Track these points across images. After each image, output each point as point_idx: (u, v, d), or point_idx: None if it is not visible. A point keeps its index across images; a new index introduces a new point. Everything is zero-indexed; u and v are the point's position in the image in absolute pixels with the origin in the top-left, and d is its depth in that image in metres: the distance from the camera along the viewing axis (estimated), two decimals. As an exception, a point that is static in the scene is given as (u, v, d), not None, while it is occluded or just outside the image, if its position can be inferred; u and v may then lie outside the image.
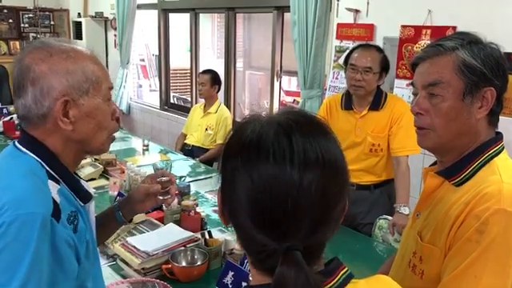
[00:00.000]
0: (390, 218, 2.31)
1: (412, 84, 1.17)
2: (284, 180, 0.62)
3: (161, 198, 1.46)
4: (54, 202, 1.00)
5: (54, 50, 1.06)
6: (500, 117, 1.13)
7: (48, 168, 1.05)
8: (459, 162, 1.11)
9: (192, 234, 2.00)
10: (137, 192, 1.45)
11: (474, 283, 0.97)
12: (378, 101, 2.46)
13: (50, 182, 1.03)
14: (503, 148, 1.12)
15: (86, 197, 1.13)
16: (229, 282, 1.72)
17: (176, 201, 2.44)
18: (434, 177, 1.16)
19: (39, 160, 1.05)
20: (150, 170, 2.80)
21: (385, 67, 2.43)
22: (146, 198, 1.43)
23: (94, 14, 6.68)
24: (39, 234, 0.93)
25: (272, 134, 0.65)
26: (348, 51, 2.58)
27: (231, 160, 0.67)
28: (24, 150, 1.06)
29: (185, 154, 3.96)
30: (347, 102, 2.53)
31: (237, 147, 0.67)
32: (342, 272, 0.69)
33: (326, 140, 0.66)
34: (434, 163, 1.24)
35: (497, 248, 0.97)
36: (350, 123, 2.45)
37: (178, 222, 2.16)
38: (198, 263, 1.80)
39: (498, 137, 1.13)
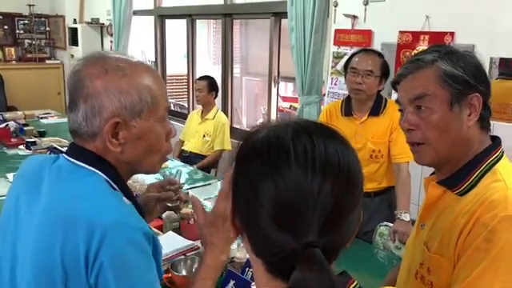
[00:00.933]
0: (390, 224, 2.30)
1: (397, 101, 1.17)
2: (308, 178, 0.61)
3: (170, 205, 1.44)
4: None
5: (110, 65, 1.01)
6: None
7: (113, 184, 1.02)
8: (460, 171, 1.09)
9: (192, 242, 1.98)
10: (147, 202, 1.40)
11: None
12: (377, 106, 2.46)
13: (124, 199, 1.01)
14: (503, 153, 1.11)
15: (143, 212, 1.10)
16: (230, 292, 1.70)
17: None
18: (435, 187, 1.15)
19: (104, 176, 1.01)
20: (148, 178, 2.77)
21: (385, 72, 2.43)
22: (154, 208, 1.40)
23: (89, 20, 6.67)
24: (148, 251, 0.94)
25: (291, 135, 0.65)
26: (348, 56, 2.58)
27: (249, 164, 0.66)
28: (84, 165, 1.01)
29: (182, 161, 3.94)
30: (347, 107, 2.52)
31: (254, 151, 0.66)
32: (352, 286, 0.68)
33: (342, 143, 0.67)
34: (434, 172, 1.22)
35: (506, 256, 0.96)
36: (349, 129, 2.44)
37: (178, 231, 2.14)
38: (199, 272, 1.77)
39: (496, 143, 1.12)
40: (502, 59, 2.63)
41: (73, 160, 1.02)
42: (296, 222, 0.61)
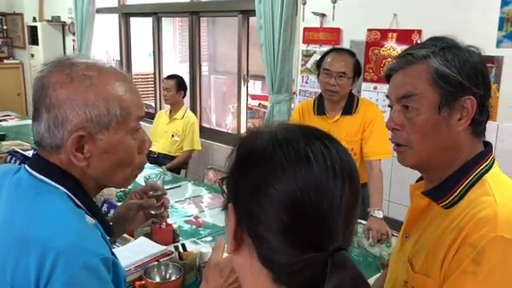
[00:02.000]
0: (364, 222, 2.31)
1: (387, 96, 1.09)
2: (330, 181, 0.60)
3: (153, 212, 1.36)
4: (104, 238, 0.92)
5: (77, 73, 0.92)
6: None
7: (77, 201, 0.94)
8: (447, 182, 1.00)
9: (165, 247, 1.92)
10: (128, 210, 1.33)
11: None
12: (350, 105, 2.47)
13: (87, 217, 0.93)
14: (493, 161, 1.02)
15: (111, 230, 1.03)
16: (206, 297, 1.66)
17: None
18: (420, 197, 1.05)
19: (66, 192, 0.93)
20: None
21: (357, 72, 2.45)
22: (136, 215, 1.33)
23: (50, 19, 6.45)
24: (106, 279, 0.86)
25: (303, 138, 0.63)
26: (320, 55, 2.58)
27: (259, 169, 0.62)
28: (46, 179, 0.93)
29: (150, 163, 3.85)
30: (320, 106, 2.53)
31: (265, 154, 0.62)
32: None
33: (344, 147, 0.67)
34: (421, 178, 1.13)
35: (496, 280, 0.87)
36: (322, 128, 2.40)
37: (149, 235, 2.07)
38: (173, 278, 1.72)
39: (487, 150, 1.02)
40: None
41: (34, 173, 0.94)
42: (322, 226, 0.59)
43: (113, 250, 0.97)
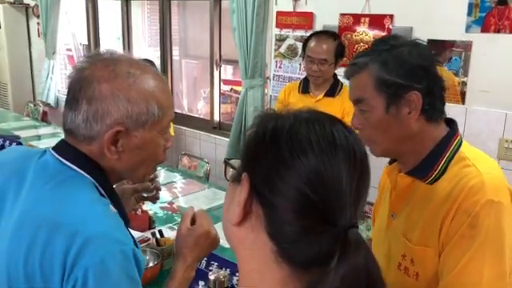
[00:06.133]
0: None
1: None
2: (351, 165, 0.62)
3: (146, 195, 1.41)
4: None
5: (121, 70, 0.94)
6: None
7: (102, 190, 0.95)
8: (426, 161, 1.10)
9: (141, 234, 1.91)
10: (122, 194, 1.33)
11: (477, 278, 0.97)
12: (334, 88, 2.64)
13: (111, 207, 0.93)
14: (461, 139, 1.13)
15: (128, 220, 1.04)
16: (185, 282, 1.66)
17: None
18: (404, 177, 1.15)
19: (93, 180, 0.94)
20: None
21: (340, 54, 2.58)
22: (130, 199, 1.36)
23: (12, 1, 6.18)
24: (134, 268, 0.88)
25: (326, 118, 0.65)
26: (305, 39, 2.68)
27: (282, 144, 0.63)
28: (74, 166, 0.94)
29: (123, 149, 3.80)
30: (305, 86, 2.70)
31: (291, 129, 0.64)
32: None
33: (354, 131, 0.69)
34: (393, 160, 1.23)
35: (492, 240, 0.98)
36: (304, 105, 2.46)
37: (125, 222, 2.05)
38: (151, 264, 1.71)
39: (454, 129, 1.13)
40: (434, 41, 2.74)
41: (62, 159, 0.95)
42: (337, 202, 0.60)
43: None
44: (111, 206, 0.95)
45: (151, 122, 0.97)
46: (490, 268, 0.97)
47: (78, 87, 0.94)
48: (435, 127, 1.11)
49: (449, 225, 1.02)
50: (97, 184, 0.95)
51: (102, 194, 0.96)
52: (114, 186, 1.04)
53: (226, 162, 0.75)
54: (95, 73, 0.94)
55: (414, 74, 1.04)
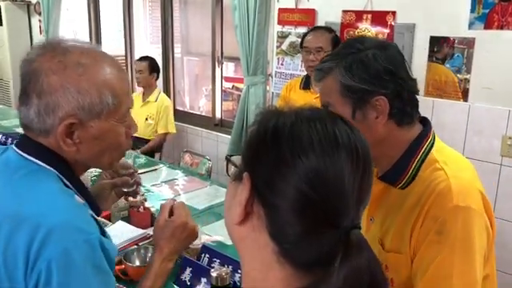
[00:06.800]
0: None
1: None
2: (353, 164, 0.61)
3: (126, 190, 1.40)
4: (94, 217, 0.93)
5: (70, 59, 0.91)
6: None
7: (66, 181, 0.94)
8: (397, 166, 1.08)
9: (143, 231, 1.91)
10: (102, 189, 1.34)
11: (446, 285, 0.96)
12: None
13: (77, 197, 0.93)
14: (434, 137, 1.10)
15: (99, 210, 1.04)
16: (187, 279, 1.66)
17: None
18: (378, 182, 1.12)
19: (55, 172, 0.93)
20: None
21: (336, 45, 2.55)
22: (110, 194, 1.36)
23: (14, -2, 6.18)
24: (100, 258, 0.87)
25: (330, 120, 0.64)
26: (302, 37, 2.72)
27: (282, 143, 0.62)
28: (35, 160, 0.92)
29: (124, 146, 3.79)
30: (306, 82, 2.73)
31: (292, 128, 0.63)
32: None
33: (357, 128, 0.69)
34: None
35: (460, 246, 0.96)
36: (304, 101, 2.48)
37: (127, 220, 2.05)
38: (153, 261, 1.71)
39: (426, 128, 1.10)
40: (433, 38, 2.74)
41: (23, 154, 0.93)
42: (339, 203, 0.59)
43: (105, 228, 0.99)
44: (77, 197, 0.94)
45: (107, 112, 0.95)
46: (460, 277, 0.96)
47: (27, 80, 0.92)
48: (407, 130, 1.08)
49: (418, 231, 1.00)
50: (61, 176, 0.94)
51: (67, 186, 0.94)
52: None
53: (228, 159, 0.75)
54: (43, 65, 0.91)
55: (379, 79, 1.01)
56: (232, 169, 0.85)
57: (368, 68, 1.02)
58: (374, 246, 1.11)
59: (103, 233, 0.92)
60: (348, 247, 0.57)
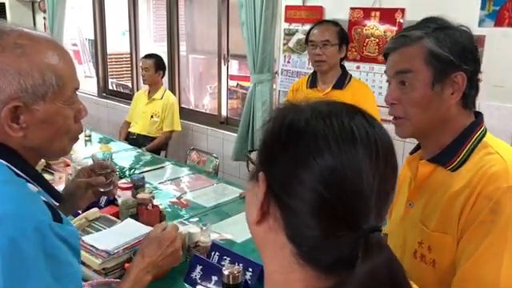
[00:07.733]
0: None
1: (385, 72, 1.18)
2: (372, 160, 0.58)
3: (102, 190, 1.39)
4: (48, 204, 0.89)
5: (8, 42, 0.88)
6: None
7: (18, 171, 0.91)
8: (450, 147, 1.10)
9: (152, 228, 1.88)
10: (76, 188, 1.35)
11: (496, 264, 0.96)
12: (342, 80, 2.55)
13: (30, 186, 0.90)
14: (486, 130, 1.13)
15: (59, 197, 1.00)
16: (197, 277, 1.64)
17: (129, 194, 2.32)
18: (425, 165, 1.15)
19: (4, 162, 0.90)
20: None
21: (343, 39, 2.52)
22: (85, 193, 1.35)
23: (18, -4, 6.17)
24: (54, 245, 0.84)
25: (347, 115, 0.61)
26: (307, 33, 2.63)
27: (297, 142, 0.59)
28: None
29: (129, 144, 3.78)
30: (313, 80, 2.63)
31: (307, 125, 0.60)
32: None
33: (379, 122, 0.66)
34: (414, 150, 1.23)
35: None
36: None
37: (135, 217, 2.04)
38: (162, 259, 1.70)
39: (479, 119, 1.13)
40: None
41: None
42: (357, 203, 0.57)
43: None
44: (30, 185, 0.92)
45: (52, 94, 0.92)
46: (510, 256, 0.96)
47: None
48: (466, 116, 1.12)
49: (469, 211, 1.01)
50: (10, 165, 0.91)
51: (18, 175, 0.91)
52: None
53: (248, 156, 0.73)
54: None
55: (464, 55, 1.06)
56: (251, 166, 0.85)
57: (457, 42, 1.06)
58: (414, 228, 1.14)
59: (60, 219, 0.89)
60: (367, 250, 0.55)
